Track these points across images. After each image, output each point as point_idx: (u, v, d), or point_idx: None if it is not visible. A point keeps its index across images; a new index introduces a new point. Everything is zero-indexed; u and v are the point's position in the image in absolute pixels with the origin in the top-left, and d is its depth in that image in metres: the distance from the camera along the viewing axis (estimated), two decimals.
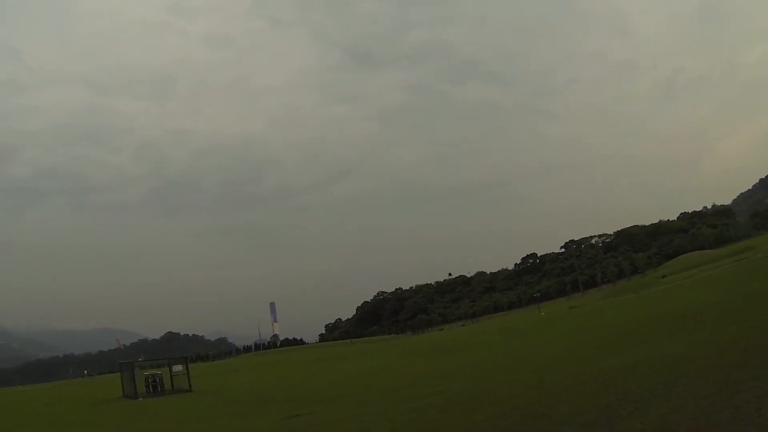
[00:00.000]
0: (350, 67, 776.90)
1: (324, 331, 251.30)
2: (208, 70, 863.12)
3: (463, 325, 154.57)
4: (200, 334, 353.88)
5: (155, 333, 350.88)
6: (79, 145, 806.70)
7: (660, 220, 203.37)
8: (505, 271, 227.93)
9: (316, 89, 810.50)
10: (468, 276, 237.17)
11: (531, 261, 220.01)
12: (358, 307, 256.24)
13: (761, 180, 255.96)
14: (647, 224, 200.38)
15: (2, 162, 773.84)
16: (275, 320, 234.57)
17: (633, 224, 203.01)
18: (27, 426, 28.91)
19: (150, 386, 39.79)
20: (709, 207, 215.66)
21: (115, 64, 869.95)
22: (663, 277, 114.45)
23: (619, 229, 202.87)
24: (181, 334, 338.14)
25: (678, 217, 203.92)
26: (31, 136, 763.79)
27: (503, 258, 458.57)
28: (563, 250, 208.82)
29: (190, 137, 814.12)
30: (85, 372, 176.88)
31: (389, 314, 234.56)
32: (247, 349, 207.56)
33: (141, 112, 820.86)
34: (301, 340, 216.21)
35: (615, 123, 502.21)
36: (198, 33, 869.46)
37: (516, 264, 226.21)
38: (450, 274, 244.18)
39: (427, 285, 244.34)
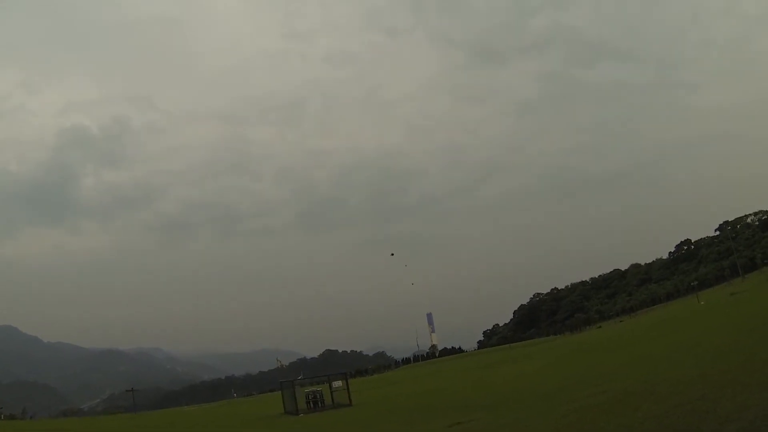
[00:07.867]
0: (476, 65, 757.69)
1: (482, 338, 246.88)
2: (335, 88, 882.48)
3: (620, 321, 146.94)
4: (358, 350, 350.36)
5: (313, 351, 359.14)
6: (222, 177, 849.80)
7: None
8: (659, 260, 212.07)
9: (447, 93, 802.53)
10: (622, 270, 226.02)
11: (686, 248, 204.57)
12: (515, 310, 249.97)
13: None
14: None
15: (152, 201, 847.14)
16: (433, 330, 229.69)
17: None
18: None
19: (311, 402, 40.85)
20: None
21: (244, 96, 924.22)
22: None
23: None
24: (339, 351, 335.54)
25: None
26: (175, 174, 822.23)
27: (657, 246, 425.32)
28: (718, 232, 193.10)
29: (329, 156, 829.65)
30: (234, 395, 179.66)
31: (546, 315, 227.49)
32: (406, 361, 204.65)
33: (277, 138, 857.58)
34: (459, 348, 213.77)
35: (757, 82, 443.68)
36: (318, 54, 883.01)
37: (670, 252, 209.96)
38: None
39: (582, 282, 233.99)
